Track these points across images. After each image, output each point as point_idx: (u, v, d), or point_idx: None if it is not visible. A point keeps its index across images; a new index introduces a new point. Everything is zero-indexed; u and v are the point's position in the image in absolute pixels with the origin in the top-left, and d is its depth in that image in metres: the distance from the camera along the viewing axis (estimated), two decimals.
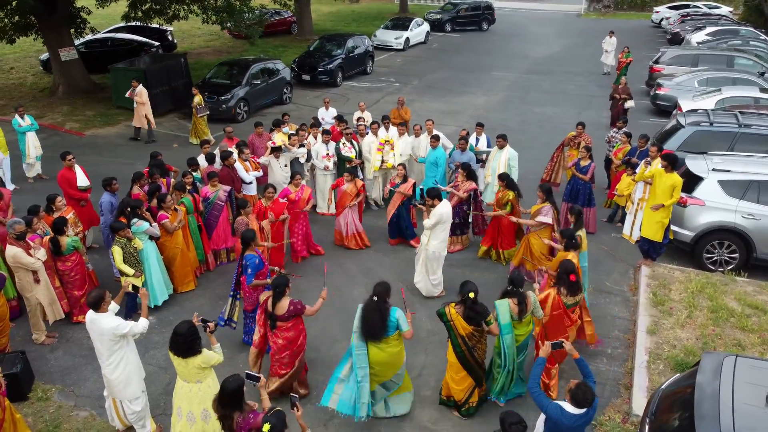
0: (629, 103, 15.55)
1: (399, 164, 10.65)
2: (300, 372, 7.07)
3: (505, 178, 9.87)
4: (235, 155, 10.73)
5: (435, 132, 11.72)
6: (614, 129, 12.60)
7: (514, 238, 10.16)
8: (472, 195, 10.33)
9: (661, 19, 35.15)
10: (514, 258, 9.74)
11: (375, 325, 6.29)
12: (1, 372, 5.98)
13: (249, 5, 20.45)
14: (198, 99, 15.74)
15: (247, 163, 10.85)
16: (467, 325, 6.39)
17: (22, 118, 12.90)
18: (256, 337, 6.94)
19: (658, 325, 8.34)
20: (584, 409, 4.96)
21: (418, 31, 30.34)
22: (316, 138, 12.06)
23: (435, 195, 8.81)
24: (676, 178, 9.27)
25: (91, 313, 5.92)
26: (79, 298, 8.36)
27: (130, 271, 8.05)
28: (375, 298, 6.35)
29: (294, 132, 11.75)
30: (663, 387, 5.81)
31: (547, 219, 9.01)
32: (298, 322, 6.80)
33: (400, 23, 30.47)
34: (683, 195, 10.05)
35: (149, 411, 6.56)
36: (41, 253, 7.79)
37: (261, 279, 7.63)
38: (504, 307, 6.58)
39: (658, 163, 9.77)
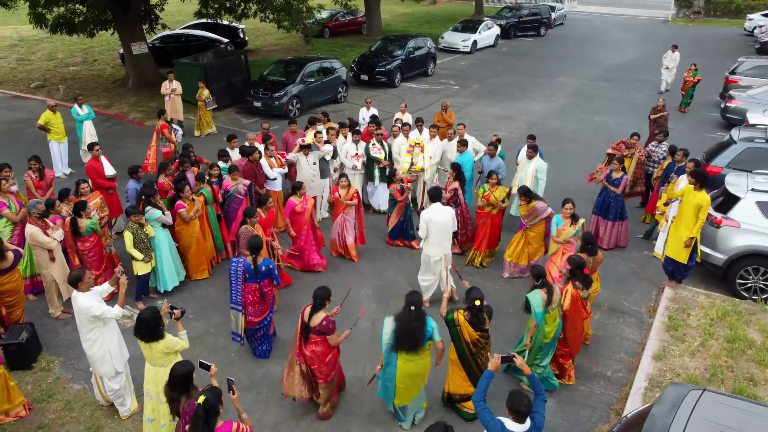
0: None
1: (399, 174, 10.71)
2: (335, 384, 6.89)
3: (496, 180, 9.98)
4: (261, 151, 11.00)
5: (465, 136, 11.54)
6: (653, 143, 11.92)
7: (497, 239, 10.25)
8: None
9: (754, 27, 32.83)
10: (507, 254, 9.83)
11: (417, 335, 6.16)
12: None
13: (307, 5, 20.84)
14: (206, 93, 16.29)
15: (272, 159, 11.09)
16: (474, 332, 6.39)
17: (81, 107, 13.77)
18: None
19: (667, 352, 7.85)
20: (527, 428, 4.76)
21: (487, 34, 29.80)
22: (346, 137, 12.17)
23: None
24: (702, 198, 8.49)
25: (74, 291, 6.27)
26: (95, 278, 8.77)
27: (139, 255, 8.45)
28: (413, 308, 6.16)
29: (318, 130, 11.89)
30: (628, 415, 5.47)
31: (548, 211, 9.22)
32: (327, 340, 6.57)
33: (470, 26, 30.02)
34: (718, 215, 9.41)
35: (131, 390, 6.87)
36: (58, 234, 8.31)
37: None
38: (537, 298, 6.81)
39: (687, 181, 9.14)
